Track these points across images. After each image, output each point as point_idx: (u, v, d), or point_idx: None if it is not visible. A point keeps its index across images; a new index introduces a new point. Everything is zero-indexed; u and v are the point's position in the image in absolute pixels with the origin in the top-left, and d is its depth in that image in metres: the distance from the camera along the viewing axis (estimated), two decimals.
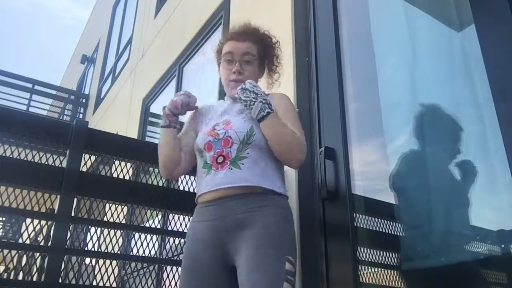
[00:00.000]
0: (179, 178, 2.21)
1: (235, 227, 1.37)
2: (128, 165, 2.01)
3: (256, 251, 1.31)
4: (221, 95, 3.01)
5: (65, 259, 1.75)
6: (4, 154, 1.73)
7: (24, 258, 1.85)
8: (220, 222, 1.39)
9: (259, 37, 1.64)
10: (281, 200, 1.44)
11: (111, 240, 1.84)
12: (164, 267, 2.07)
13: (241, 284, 1.30)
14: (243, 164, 1.41)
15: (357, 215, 1.74)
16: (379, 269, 1.73)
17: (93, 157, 1.95)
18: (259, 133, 1.44)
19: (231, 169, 1.41)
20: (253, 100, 1.44)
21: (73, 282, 1.84)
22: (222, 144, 1.44)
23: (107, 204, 1.91)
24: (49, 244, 1.67)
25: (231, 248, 1.37)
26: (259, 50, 1.61)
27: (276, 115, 1.45)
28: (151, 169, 2.12)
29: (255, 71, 1.62)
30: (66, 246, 1.70)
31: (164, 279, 2.04)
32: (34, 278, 1.73)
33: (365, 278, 1.69)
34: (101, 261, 1.82)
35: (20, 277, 1.79)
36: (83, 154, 1.87)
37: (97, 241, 1.87)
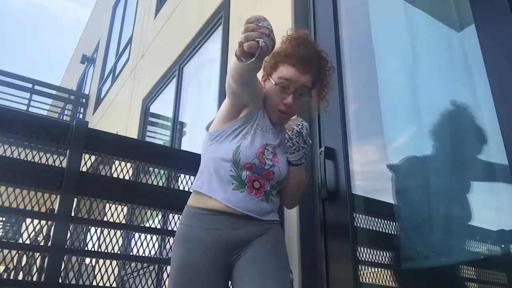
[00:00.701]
0: (179, 179, 2.21)
1: (247, 239, 1.37)
2: (128, 165, 2.01)
3: (269, 256, 1.36)
4: (221, 99, 3.01)
5: (65, 259, 1.75)
6: (4, 154, 1.73)
7: (24, 258, 1.86)
8: (230, 232, 1.36)
9: (319, 68, 1.48)
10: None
11: (111, 240, 1.84)
12: (164, 267, 2.07)
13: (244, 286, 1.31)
14: (271, 200, 1.45)
15: (357, 215, 1.74)
16: (379, 269, 1.73)
17: (93, 157, 1.94)
18: (286, 178, 1.50)
19: (262, 200, 1.41)
20: (300, 148, 1.47)
21: (73, 282, 1.84)
22: (263, 174, 1.41)
23: (107, 204, 1.91)
24: (49, 244, 1.67)
25: (236, 256, 1.37)
26: (312, 82, 1.47)
27: (304, 166, 1.53)
28: (151, 169, 2.12)
29: (302, 102, 1.50)
30: (66, 246, 1.70)
31: (164, 279, 2.04)
32: (34, 278, 1.73)
33: (365, 278, 1.69)
34: (101, 261, 1.82)
35: (20, 277, 1.79)
36: (83, 154, 1.87)
37: (97, 241, 1.87)
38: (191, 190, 1.49)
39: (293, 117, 1.54)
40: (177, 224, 1.48)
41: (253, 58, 1.16)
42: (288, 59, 1.43)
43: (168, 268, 2.02)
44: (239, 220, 1.36)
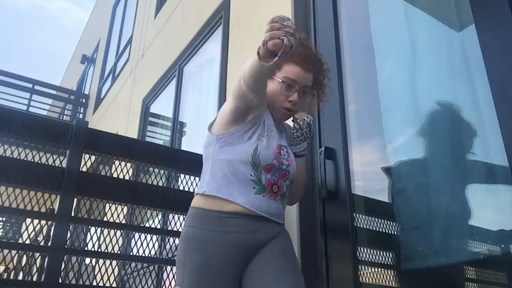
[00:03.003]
0: (179, 179, 2.21)
1: (265, 241, 1.38)
2: (128, 165, 2.01)
3: (284, 256, 1.37)
4: (221, 99, 3.01)
5: (65, 259, 1.75)
6: (4, 154, 1.73)
7: (24, 258, 1.85)
8: (251, 235, 1.36)
9: (320, 69, 1.54)
10: None
11: (111, 240, 1.84)
12: (164, 267, 2.07)
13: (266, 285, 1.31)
14: (285, 201, 1.47)
15: (357, 215, 1.74)
16: (379, 269, 1.73)
17: (93, 157, 1.94)
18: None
19: (279, 203, 1.43)
20: (307, 138, 1.53)
21: (73, 282, 1.83)
22: (280, 175, 1.42)
23: (107, 204, 1.91)
24: (49, 244, 1.67)
25: (251, 258, 1.36)
26: (314, 81, 1.52)
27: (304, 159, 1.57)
28: (151, 169, 2.12)
29: (305, 101, 1.53)
30: (66, 246, 1.70)
31: (164, 279, 2.04)
32: (34, 278, 1.72)
33: (365, 278, 1.69)
34: (101, 261, 1.82)
35: (20, 277, 1.78)
36: (83, 154, 1.87)
37: (97, 241, 1.87)
38: (199, 193, 1.43)
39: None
40: (185, 227, 1.41)
41: (276, 58, 1.13)
42: (292, 58, 1.40)
43: (168, 268, 2.03)
44: (258, 223, 1.37)
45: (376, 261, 1.74)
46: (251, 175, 1.37)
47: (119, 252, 2.03)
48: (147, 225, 2.39)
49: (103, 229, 1.93)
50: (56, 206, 1.73)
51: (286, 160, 1.43)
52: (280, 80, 1.45)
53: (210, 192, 1.39)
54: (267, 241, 1.38)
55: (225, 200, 1.36)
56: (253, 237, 1.35)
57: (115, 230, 1.90)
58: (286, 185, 1.44)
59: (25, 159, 1.73)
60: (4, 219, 9.00)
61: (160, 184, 2.03)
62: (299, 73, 1.45)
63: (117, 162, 2.00)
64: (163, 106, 4.70)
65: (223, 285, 1.29)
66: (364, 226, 1.78)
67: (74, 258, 2.35)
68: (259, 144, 1.39)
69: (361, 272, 1.67)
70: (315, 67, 1.49)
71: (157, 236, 2.14)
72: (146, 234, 2.00)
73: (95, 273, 1.81)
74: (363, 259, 1.71)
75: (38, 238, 1.77)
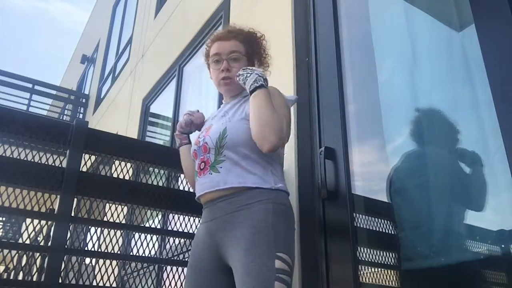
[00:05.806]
0: (179, 179, 2.21)
1: (223, 228, 1.39)
2: (128, 165, 2.01)
3: (244, 253, 1.29)
4: (221, 99, 3.01)
5: (65, 259, 1.75)
6: (4, 154, 1.73)
7: (24, 258, 1.85)
8: (212, 224, 1.44)
9: (244, 35, 1.62)
10: (273, 195, 1.38)
11: (111, 240, 1.84)
12: (164, 267, 2.07)
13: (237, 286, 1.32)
14: (221, 167, 1.43)
15: (357, 215, 1.74)
16: (379, 269, 1.73)
17: (93, 157, 1.94)
18: (233, 133, 1.43)
19: (211, 173, 1.45)
20: (250, 72, 1.47)
21: (73, 282, 1.83)
22: (202, 151, 1.50)
23: (107, 204, 1.91)
24: (49, 244, 1.67)
25: (224, 251, 1.39)
26: (246, 48, 1.59)
27: (268, 93, 1.42)
28: (151, 169, 2.12)
29: (242, 65, 1.55)
30: (66, 246, 1.70)
31: (164, 279, 2.04)
32: (34, 278, 1.72)
33: (365, 278, 1.69)
34: (101, 261, 1.82)
35: (20, 277, 1.78)
36: (83, 154, 1.87)
37: (97, 241, 1.87)
38: None
39: None
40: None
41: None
42: (212, 39, 1.66)
43: (168, 268, 2.03)
44: (216, 206, 1.43)
45: (376, 261, 1.74)
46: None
47: (119, 252, 2.03)
48: (147, 225, 2.39)
49: (103, 229, 1.93)
50: (56, 206, 1.73)
51: (202, 137, 1.53)
52: (209, 62, 1.64)
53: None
54: (226, 228, 1.37)
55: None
56: (213, 225, 1.43)
57: (115, 230, 1.90)
58: (214, 155, 1.45)
59: (25, 159, 1.73)
60: (4, 219, 9.00)
61: (160, 184, 2.03)
62: (218, 45, 1.60)
63: (117, 162, 2.00)
64: (163, 106, 4.70)
65: (203, 269, 1.43)
66: (364, 226, 1.78)
67: (74, 258, 2.35)
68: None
69: (361, 272, 1.67)
70: (234, 35, 1.60)
71: (157, 236, 2.14)
72: (146, 234, 2.00)
73: (95, 273, 1.80)
74: (363, 259, 1.71)
75: (38, 238, 1.77)
